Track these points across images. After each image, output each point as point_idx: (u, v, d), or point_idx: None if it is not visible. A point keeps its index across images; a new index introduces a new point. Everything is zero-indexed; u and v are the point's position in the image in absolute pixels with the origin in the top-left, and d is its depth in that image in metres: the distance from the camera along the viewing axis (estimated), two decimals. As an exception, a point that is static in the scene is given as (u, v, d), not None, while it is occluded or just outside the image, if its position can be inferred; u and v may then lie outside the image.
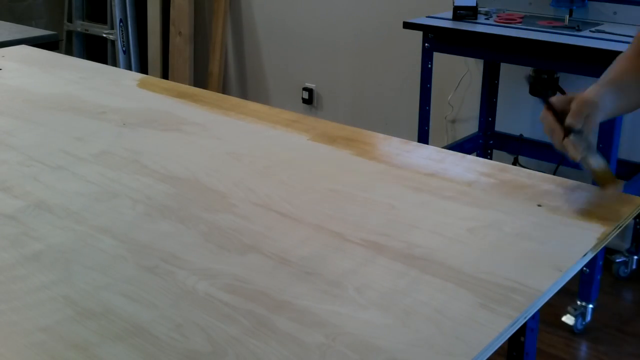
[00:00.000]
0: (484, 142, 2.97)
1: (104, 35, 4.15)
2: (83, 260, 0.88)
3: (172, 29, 3.99)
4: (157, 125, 1.37)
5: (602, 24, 2.46)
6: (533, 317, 0.87)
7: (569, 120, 1.02)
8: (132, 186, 1.10)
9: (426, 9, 2.86)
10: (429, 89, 2.61)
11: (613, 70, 1.16)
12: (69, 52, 4.25)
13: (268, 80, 3.84)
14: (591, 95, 1.05)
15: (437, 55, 2.58)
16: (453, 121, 3.18)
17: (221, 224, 0.97)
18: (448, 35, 2.52)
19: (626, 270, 2.65)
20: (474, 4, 2.56)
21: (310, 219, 0.98)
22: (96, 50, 4.31)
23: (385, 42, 3.28)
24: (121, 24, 4.09)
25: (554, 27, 2.42)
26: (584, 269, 2.26)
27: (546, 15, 2.59)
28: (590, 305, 2.32)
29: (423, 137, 2.67)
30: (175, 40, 3.98)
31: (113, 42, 4.13)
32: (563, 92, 2.54)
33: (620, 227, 0.96)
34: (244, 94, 3.94)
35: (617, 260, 2.64)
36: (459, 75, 3.06)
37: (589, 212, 0.99)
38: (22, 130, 1.35)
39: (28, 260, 0.88)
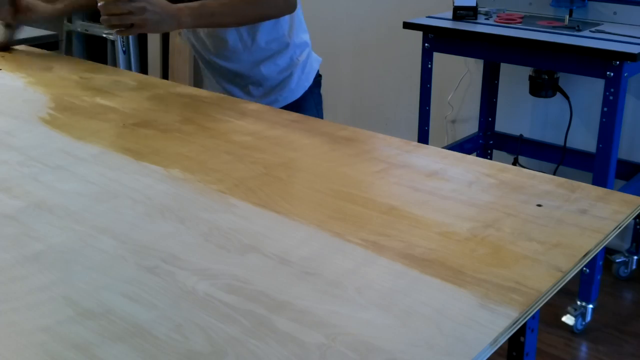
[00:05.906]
0: (484, 142, 2.97)
1: (104, 35, 4.15)
2: (83, 260, 0.88)
3: (172, 29, 3.98)
4: (157, 125, 1.37)
5: (602, 24, 2.46)
6: (533, 317, 0.87)
7: None
8: (132, 186, 1.10)
9: (426, 9, 2.86)
10: (429, 89, 2.61)
11: None
12: (69, 52, 4.25)
13: (268, 80, 3.83)
14: None
15: (437, 55, 2.58)
16: (453, 121, 3.18)
17: (221, 224, 0.97)
18: (448, 35, 2.51)
19: (626, 270, 2.65)
20: (474, 4, 2.56)
21: (310, 219, 0.98)
22: (96, 50, 4.31)
23: (385, 42, 3.28)
24: (121, 24, 4.08)
25: (554, 27, 2.42)
26: (584, 269, 2.26)
27: (546, 15, 2.59)
28: (590, 306, 2.32)
29: (423, 137, 2.67)
30: (175, 40, 3.98)
31: (113, 42, 4.13)
32: (564, 93, 2.54)
33: (620, 227, 0.96)
34: (244, 94, 3.94)
35: (617, 261, 2.65)
36: (459, 75, 3.06)
37: (588, 212, 0.99)
38: (22, 130, 1.35)
39: (28, 260, 0.88)
